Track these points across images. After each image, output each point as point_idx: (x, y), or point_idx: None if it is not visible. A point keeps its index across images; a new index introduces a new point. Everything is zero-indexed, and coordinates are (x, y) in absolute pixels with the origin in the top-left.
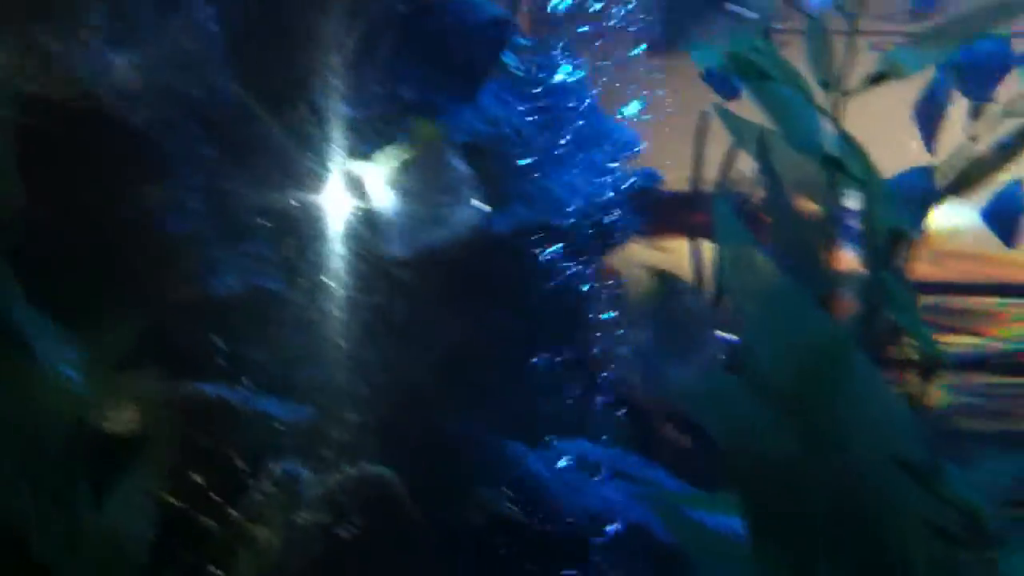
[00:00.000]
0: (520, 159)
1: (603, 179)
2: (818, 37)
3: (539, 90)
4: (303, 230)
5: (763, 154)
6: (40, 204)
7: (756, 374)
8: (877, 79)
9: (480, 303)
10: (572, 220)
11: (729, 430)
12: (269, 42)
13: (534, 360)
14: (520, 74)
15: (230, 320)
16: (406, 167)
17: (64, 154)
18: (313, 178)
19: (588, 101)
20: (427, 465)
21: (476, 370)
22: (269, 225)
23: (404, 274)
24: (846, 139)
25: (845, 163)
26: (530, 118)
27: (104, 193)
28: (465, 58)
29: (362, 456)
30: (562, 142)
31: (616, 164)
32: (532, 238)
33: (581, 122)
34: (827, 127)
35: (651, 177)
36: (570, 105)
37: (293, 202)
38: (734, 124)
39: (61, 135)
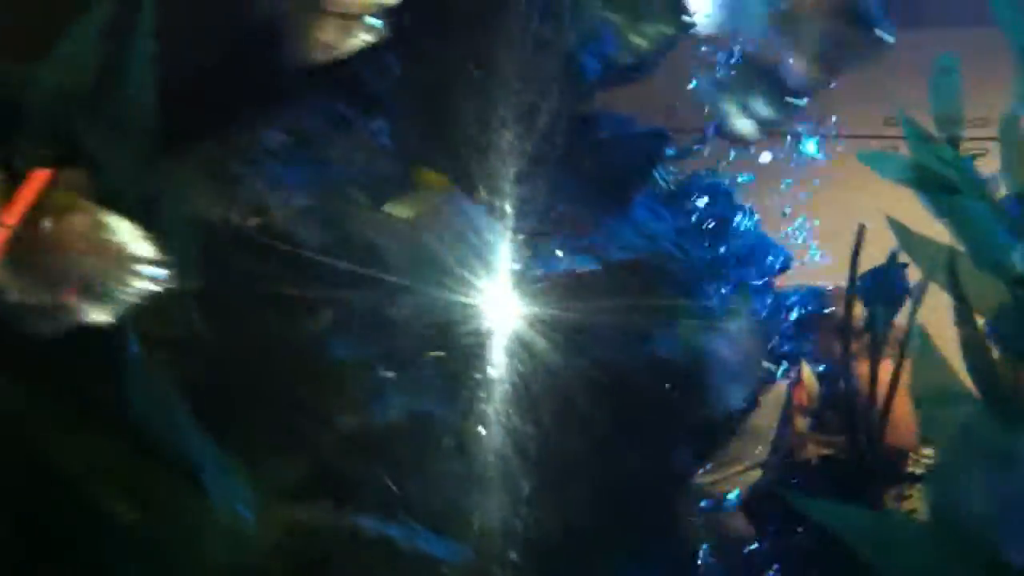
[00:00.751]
0: (681, 276)
1: (765, 299)
2: (1012, 144)
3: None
4: (469, 351)
5: (953, 278)
6: (213, 329)
7: (952, 525)
8: None
9: (651, 430)
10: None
11: None
12: (437, 157)
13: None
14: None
15: (392, 449)
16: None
17: (238, 276)
18: (476, 295)
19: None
20: None
21: (644, 508)
22: (434, 346)
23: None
24: None
25: None
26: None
27: (275, 317)
28: (620, 171)
29: None
30: (720, 259)
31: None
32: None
33: (738, 237)
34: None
35: (815, 297)
36: (725, 217)
37: (459, 320)
38: (907, 239)
39: (235, 256)
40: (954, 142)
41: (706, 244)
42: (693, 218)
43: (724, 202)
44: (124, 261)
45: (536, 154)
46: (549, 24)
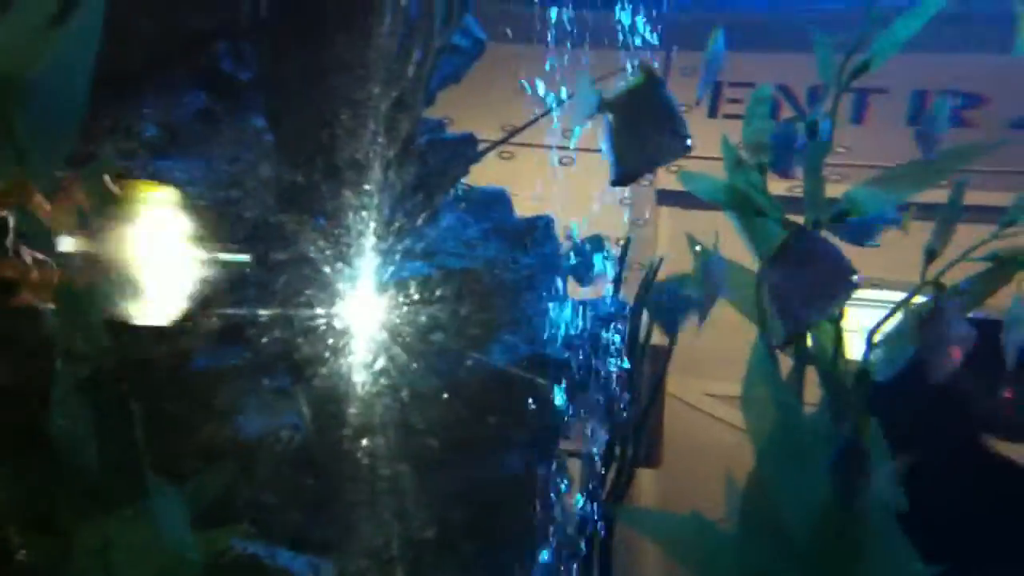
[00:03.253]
0: (510, 284)
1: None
2: (815, 176)
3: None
4: (329, 360)
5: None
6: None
7: (764, 521)
8: (840, 216)
9: (495, 443)
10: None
11: None
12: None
13: None
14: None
15: (255, 464)
16: None
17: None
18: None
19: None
20: None
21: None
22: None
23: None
24: None
25: None
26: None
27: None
28: (432, 176)
29: None
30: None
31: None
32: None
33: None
34: None
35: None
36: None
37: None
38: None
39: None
40: (762, 168)
41: (517, 252)
42: (488, 225)
43: (505, 209)
44: None
45: (373, 157)
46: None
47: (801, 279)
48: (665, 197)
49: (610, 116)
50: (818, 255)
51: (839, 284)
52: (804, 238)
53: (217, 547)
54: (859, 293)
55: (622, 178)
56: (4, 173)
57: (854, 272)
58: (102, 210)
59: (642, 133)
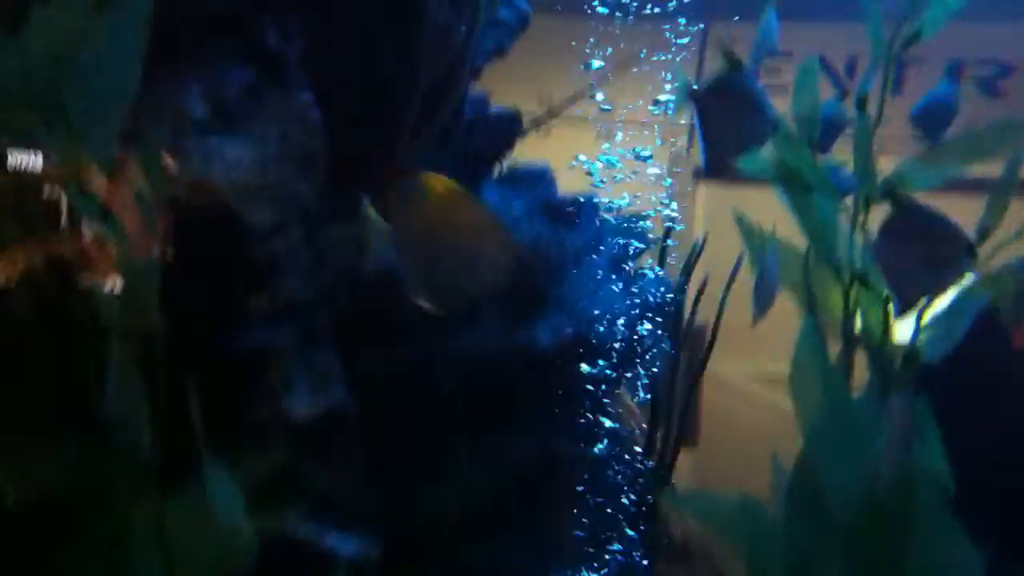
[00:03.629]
0: (555, 262)
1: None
2: (865, 149)
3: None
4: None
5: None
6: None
7: (812, 503)
8: (889, 192)
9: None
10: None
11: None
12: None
13: None
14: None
15: (306, 443)
16: None
17: (192, 263)
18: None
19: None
20: None
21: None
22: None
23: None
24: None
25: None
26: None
27: (218, 304)
28: (478, 152)
29: None
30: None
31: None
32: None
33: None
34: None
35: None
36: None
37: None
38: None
39: (187, 241)
40: (812, 143)
41: (561, 229)
42: (533, 202)
43: (550, 185)
44: None
45: (420, 133)
46: None
47: (915, 253)
48: (702, 172)
49: (698, 106)
50: (931, 228)
51: (954, 257)
52: (916, 211)
53: (269, 529)
54: None
55: (714, 166)
56: (60, 153)
57: (970, 244)
58: (156, 188)
59: (730, 120)
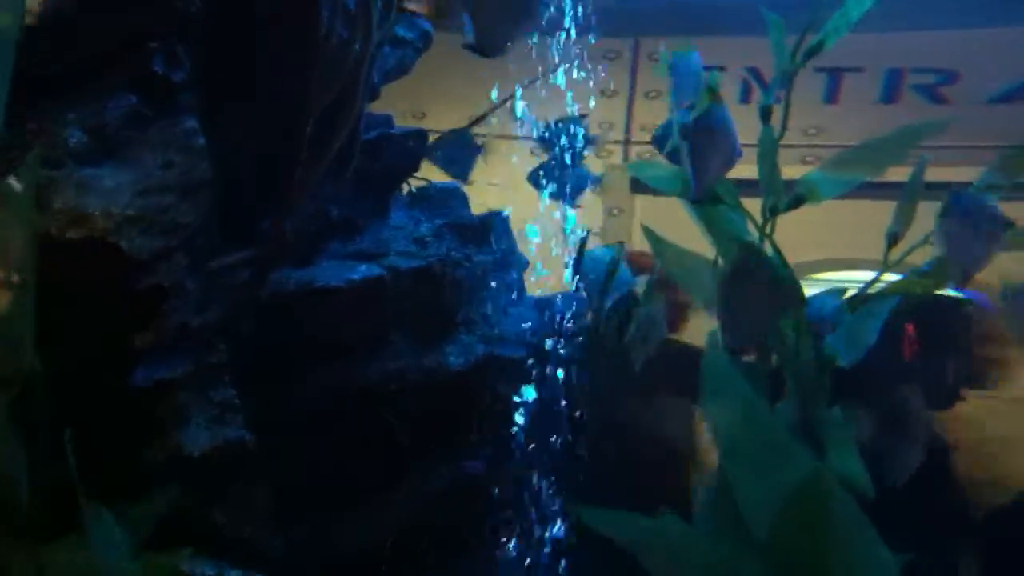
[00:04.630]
0: (465, 283)
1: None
2: (770, 160)
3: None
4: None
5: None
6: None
7: (729, 516)
8: (797, 202)
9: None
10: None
11: None
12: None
13: None
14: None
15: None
16: None
17: (71, 298)
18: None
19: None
20: None
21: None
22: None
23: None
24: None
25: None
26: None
27: (101, 339)
28: (383, 173)
29: None
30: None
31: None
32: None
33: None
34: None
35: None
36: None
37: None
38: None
39: (64, 275)
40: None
41: (472, 248)
42: (441, 222)
43: (461, 204)
44: None
45: (320, 155)
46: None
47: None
48: (640, 184)
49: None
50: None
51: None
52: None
53: (164, 570)
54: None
55: (701, 193)
56: None
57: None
58: (22, 222)
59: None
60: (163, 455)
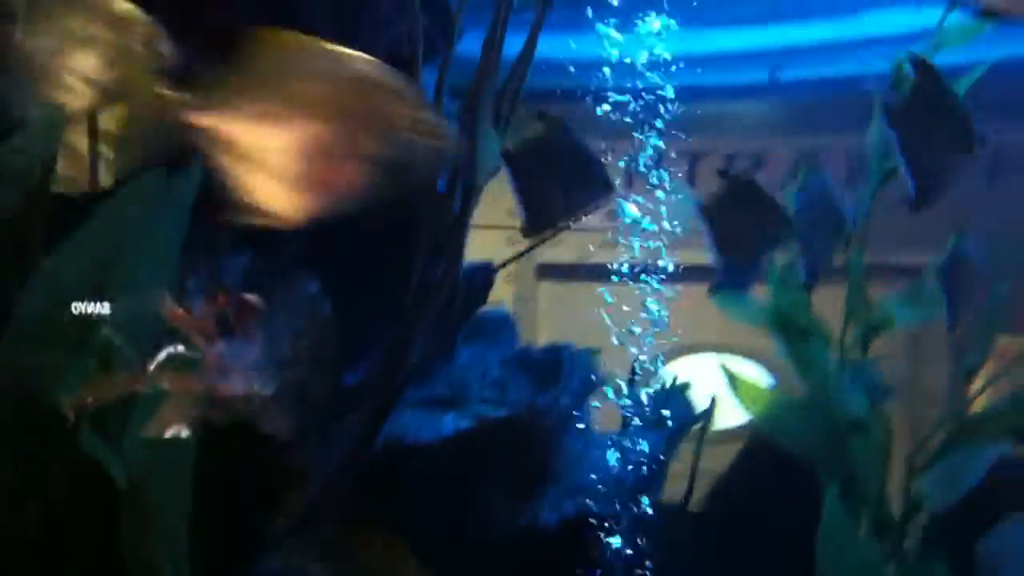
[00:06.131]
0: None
1: None
2: (859, 293)
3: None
4: None
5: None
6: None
7: None
8: (875, 330)
9: None
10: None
11: None
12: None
13: None
14: None
15: None
16: None
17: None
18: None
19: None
20: None
21: None
22: None
23: None
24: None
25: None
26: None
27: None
28: (453, 311)
29: None
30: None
31: None
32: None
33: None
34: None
35: None
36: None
37: None
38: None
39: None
40: (809, 289)
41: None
42: (505, 357)
43: (513, 335)
44: None
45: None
46: None
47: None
48: (545, 271)
49: None
50: None
51: None
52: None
53: None
54: None
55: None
56: None
57: None
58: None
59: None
60: None
